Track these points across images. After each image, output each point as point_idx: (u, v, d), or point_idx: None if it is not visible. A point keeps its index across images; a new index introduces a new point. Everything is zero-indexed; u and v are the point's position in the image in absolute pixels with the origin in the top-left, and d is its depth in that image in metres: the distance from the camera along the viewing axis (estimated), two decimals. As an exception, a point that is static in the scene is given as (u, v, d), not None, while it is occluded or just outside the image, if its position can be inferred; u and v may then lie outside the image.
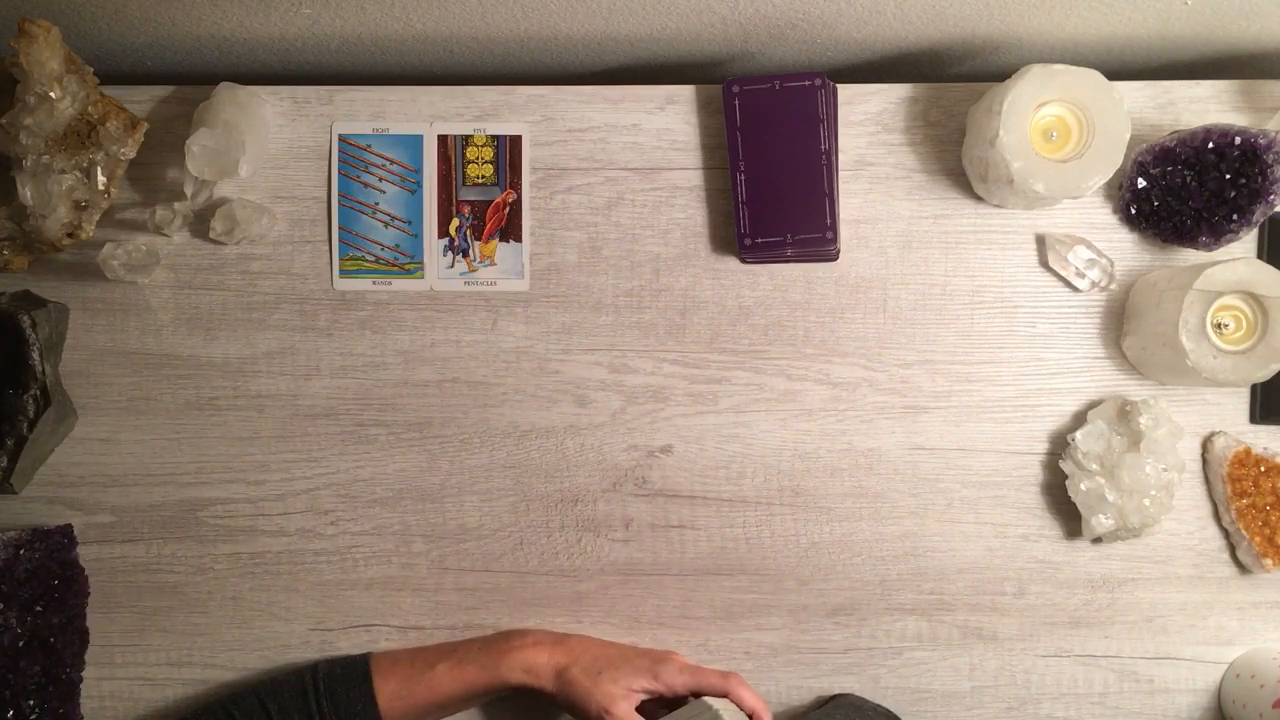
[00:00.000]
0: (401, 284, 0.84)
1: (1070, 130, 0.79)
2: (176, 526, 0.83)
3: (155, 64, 0.89)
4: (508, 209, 0.84)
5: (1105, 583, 0.84)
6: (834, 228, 0.81)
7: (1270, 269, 0.77)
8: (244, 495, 0.83)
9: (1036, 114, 0.78)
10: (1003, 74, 0.80)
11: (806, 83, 0.81)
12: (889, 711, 0.80)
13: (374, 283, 0.84)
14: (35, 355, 0.77)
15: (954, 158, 0.84)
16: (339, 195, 0.84)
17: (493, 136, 0.84)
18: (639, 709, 0.74)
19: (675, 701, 0.74)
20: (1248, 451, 0.82)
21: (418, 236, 0.84)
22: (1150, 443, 0.80)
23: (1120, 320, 0.84)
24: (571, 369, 0.84)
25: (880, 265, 0.84)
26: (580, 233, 0.84)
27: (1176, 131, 0.81)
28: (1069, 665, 0.84)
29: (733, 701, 0.73)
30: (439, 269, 0.84)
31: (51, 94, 0.74)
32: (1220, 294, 0.76)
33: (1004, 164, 0.77)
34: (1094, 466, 0.81)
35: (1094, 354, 0.84)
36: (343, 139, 0.84)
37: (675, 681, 0.74)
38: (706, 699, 0.72)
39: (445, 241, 0.84)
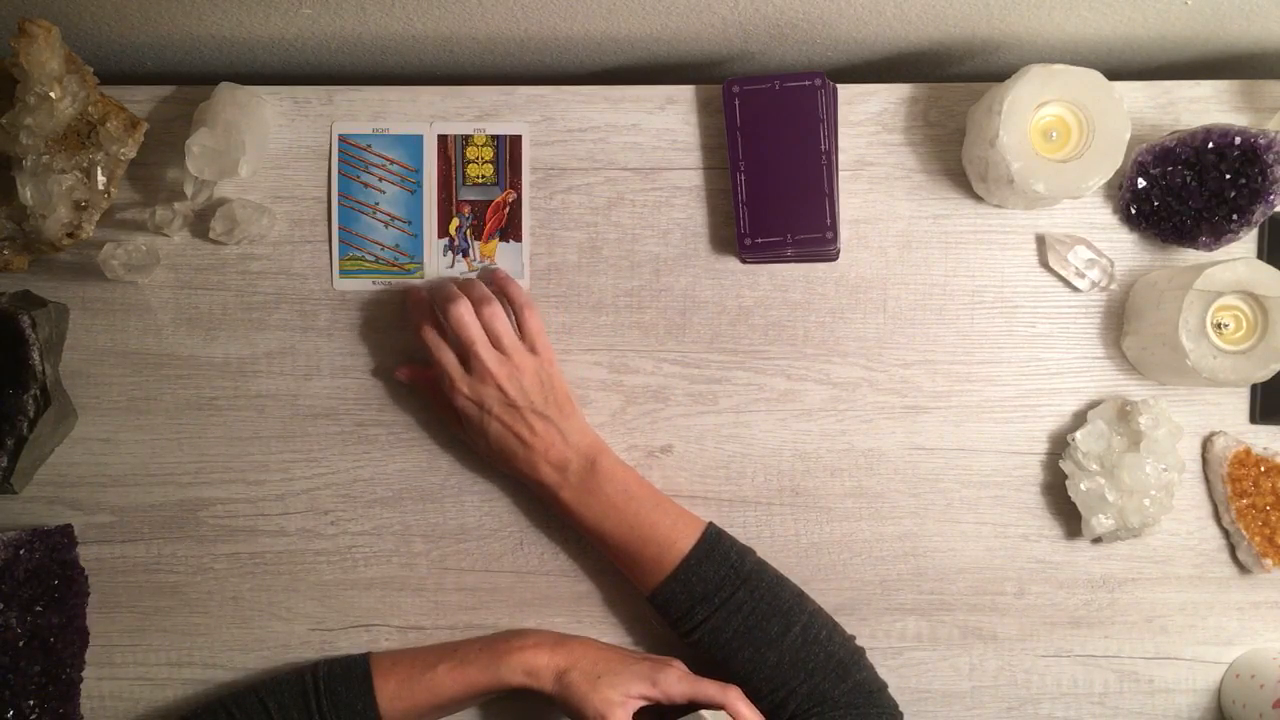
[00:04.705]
0: (401, 284, 0.84)
1: (1070, 130, 0.79)
2: (176, 526, 0.83)
3: (155, 64, 0.89)
4: (508, 209, 0.84)
5: (1105, 583, 0.84)
6: (834, 228, 0.81)
7: (1270, 269, 0.77)
8: (244, 495, 0.83)
9: (1036, 114, 0.78)
10: (1003, 74, 0.80)
11: (806, 83, 0.81)
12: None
13: (374, 283, 0.84)
14: (35, 355, 0.77)
15: (954, 158, 0.84)
16: (339, 195, 0.84)
17: (493, 136, 0.84)
18: (637, 715, 0.73)
19: (673, 709, 0.74)
20: (1248, 451, 0.82)
21: (418, 236, 0.84)
22: (1150, 443, 0.80)
23: (1120, 320, 0.84)
24: (571, 369, 0.84)
25: (880, 265, 0.84)
26: (580, 233, 0.84)
27: (1176, 131, 0.81)
28: (1069, 665, 0.84)
29: (730, 715, 0.73)
30: (439, 269, 0.84)
31: (51, 94, 0.74)
32: (1220, 294, 0.76)
33: (1004, 164, 0.77)
34: (1094, 466, 0.81)
35: (1094, 354, 0.84)
36: (343, 139, 0.84)
37: (674, 690, 0.73)
38: (703, 712, 0.72)
39: (445, 241, 0.84)
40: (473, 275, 0.83)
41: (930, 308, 0.84)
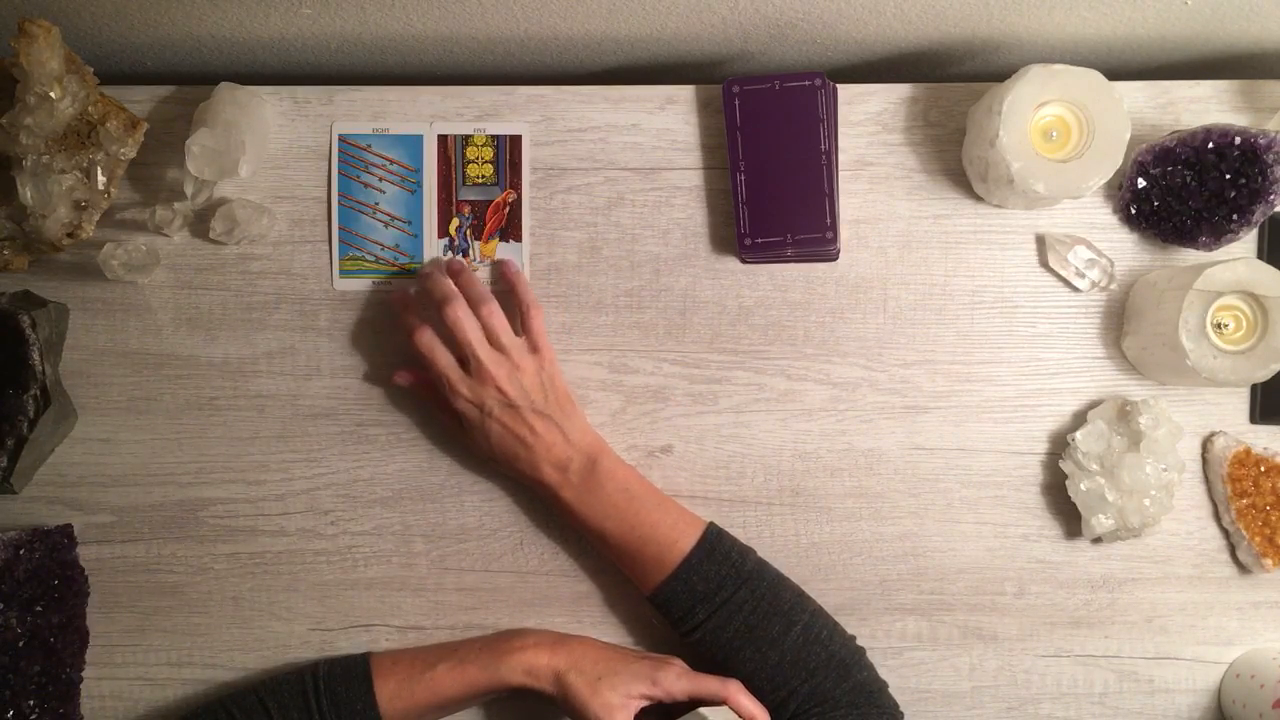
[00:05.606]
0: (401, 284, 0.84)
1: (1070, 130, 0.79)
2: (176, 526, 0.83)
3: (155, 64, 0.89)
4: (508, 209, 0.84)
5: (1105, 583, 0.84)
6: (834, 228, 0.81)
7: (1270, 269, 0.77)
8: (244, 495, 0.83)
9: (1036, 114, 0.78)
10: (1003, 74, 0.80)
11: (806, 83, 0.81)
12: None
13: (374, 283, 0.84)
14: (35, 355, 0.77)
15: (954, 158, 0.84)
16: (339, 195, 0.84)
17: (493, 136, 0.84)
18: (639, 715, 0.74)
19: (674, 707, 0.74)
20: (1248, 451, 0.82)
21: (418, 236, 0.84)
22: (1150, 443, 0.80)
23: (1120, 320, 0.84)
24: (571, 369, 0.84)
25: (880, 265, 0.84)
26: (580, 233, 0.84)
27: (1176, 131, 0.81)
28: (1069, 665, 0.84)
29: (731, 709, 0.73)
30: (439, 269, 0.84)
31: (51, 94, 0.74)
32: (1220, 294, 0.76)
33: (1004, 164, 0.77)
34: (1094, 466, 0.81)
35: (1094, 354, 0.84)
36: (343, 139, 0.84)
37: (674, 688, 0.73)
38: (702, 710, 0.72)
39: (445, 241, 0.84)
40: (456, 258, 0.83)
41: (930, 308, 0.84)
